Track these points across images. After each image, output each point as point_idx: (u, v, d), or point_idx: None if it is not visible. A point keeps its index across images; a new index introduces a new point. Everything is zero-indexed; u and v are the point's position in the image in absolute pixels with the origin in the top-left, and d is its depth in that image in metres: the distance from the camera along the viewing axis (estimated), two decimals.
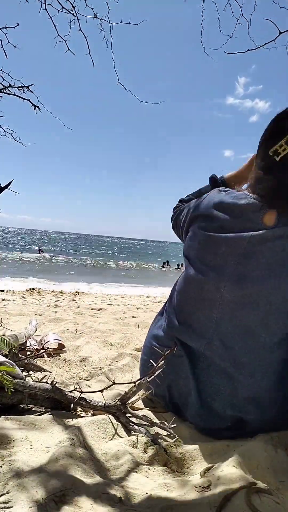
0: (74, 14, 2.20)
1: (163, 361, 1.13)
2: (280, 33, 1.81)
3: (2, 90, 2.16)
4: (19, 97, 2.20)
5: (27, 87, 2.20)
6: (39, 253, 23.03)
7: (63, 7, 2.16)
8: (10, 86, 2.17)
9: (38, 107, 2.25)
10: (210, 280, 1.07)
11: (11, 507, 0.69)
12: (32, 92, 2.22)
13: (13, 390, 1.04)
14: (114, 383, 1.19)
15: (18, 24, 2.05)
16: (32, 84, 2.20)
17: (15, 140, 2.35)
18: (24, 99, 2.21)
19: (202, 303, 1.10)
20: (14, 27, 2.05)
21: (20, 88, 2.18)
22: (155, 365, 1.13)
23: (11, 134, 2.33)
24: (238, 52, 1.94)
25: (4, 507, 0.68)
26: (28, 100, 2.21)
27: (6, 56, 2.12)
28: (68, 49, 2.27)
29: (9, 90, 2.17)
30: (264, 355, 1.03)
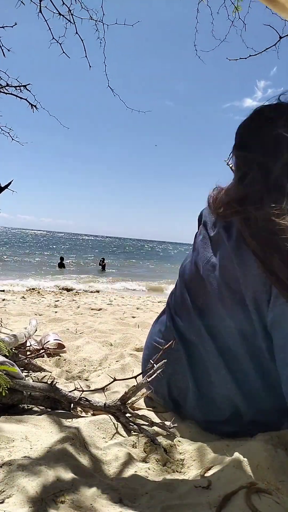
0: (72, 21, 2.20)
1: (163, 359, 1.13)
2: (280, 37, 1.82)
3: None
4: (17, 96, 2.19)
5: (25, 86, 2.19)
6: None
7: (60, 14, 2.16)
8: (7, 85, 2.16)
9: (35, 106, 2.24)
10: (197, 270, 1.13)
11: (11, 506, 0.68)
12: (29, 91, 2.22)
13: (7, 391, 1.03)
14: (115, 379, 1.19)
15: (15, 24, 2.04)
16: (29, 84, 2.20)
17: (12, 139, 2.35)
18: (21, 98, 2.21)
19: (193, 292, 1.14)
20: (12, 27, 2.05)
21: (17, 88, 2.18)
22: (153, 362, 1.13)
23: (8, 133, 2.33)
24: (240, 58, 1.94)
25: (4, 507, 0.68)
26: (25, 99, 2.21)
27: (4, 55, 2.12)
28: (63, 52, 2.27)
29: (7, 90, 2.17)
30: (243, 343, 1.01)
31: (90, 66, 2.33)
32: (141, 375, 1.20)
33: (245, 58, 1.96)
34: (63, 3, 2.18)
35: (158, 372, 1.12)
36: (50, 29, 2.19)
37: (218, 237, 1.08)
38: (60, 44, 2.21)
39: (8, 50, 2.14)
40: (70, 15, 2.19)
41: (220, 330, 1.05)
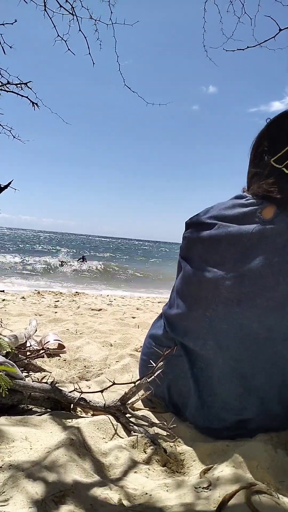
0: (74, 14, 2.19)
1: (162, 362, 1.13)
2: (280, 30, 1.80)
3: (0, 87, 2.15)
4: (18, 94, 2.18)
5: (26, 84, 2.18)
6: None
7: (73, 14, 2.15)
8: (8, 83, 2.16)
9: (36, 104, 2.24)
10: (210, 277, 1.07)
11: (11, 507, 0.68)
12: (31, 89, 2.21)
13: (7, 392, 1.03)
14: (114, 383, 1.19)
15: (15, 21, 2.03)
16: (30, 81, 2.19)
17: (14, 137, 2.34)
18: (22, 96, 2.20)
19: (198, 302, 1.09)
20: (12, 24, 2.04)
21: (18, 85, 2.17)
22: (154, 365, 1.13)
23: (9, 131, 2.32)
24: (238, 49, 1.93)
25: (4, 507, 0.68)
26: (26, 97, 2.20)
27: (4, 52, 2.11)
28: (68, 49, 2.27)
29: (7, 87, 2.16)
30: (265, 352, 1.01)
31: (93, 63, 2.32)
32: (142, 378, 1.20)
33: (243, 50, 1.95)
34: (66, 1, 2.17)
35: (158, 373, 1.12)
36: (55, 26, 2.18)
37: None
38: (65, 41, 2.20)
39: (10, 47, 2.13)
40: (73, 13, 2.19)
41: (234, 336, 1.04)
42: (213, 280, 1.06)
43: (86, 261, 18.12)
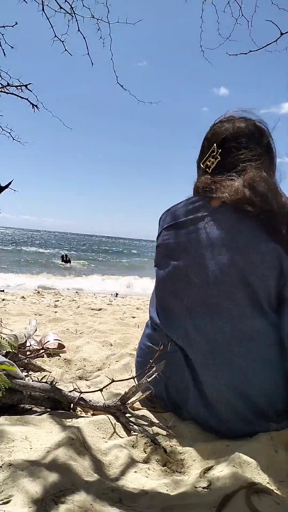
0: (72, 14, 2.19)
1: (159, 360, 1.13)
2: (281, 34, 1.81)
3: (0, 89, 2.15)
4: (18, 96, 2.19)
5: (26, 86, 2.19)
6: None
7: (60, 7, 2.15)
8: (8, 85, 2.16)
9: (36, 106, 2.24)
10: (180, 271, 1.16)
11: (11, 506, 0.68)
12: (31, 91, 2.21)
13: (5, 392, 1.03)
14: (113, 381, 1.19)
15: (16, 23, 2.04)
16: (30, 83, 2.19)
17: (13, 139, 2.35)
18: (22, 98, 2.20)
19: (175, 294, 1.17)
20: (13, 26, 2.04)
21: (18, 87, 2.17)
22: (151, 362, 1.13)
23: (9, 133, 2.32)
24: (240, 54, 1.94)
25: (4, 507, 0.68)
26: (26, 99, 2.21)
27: (4, 54, 2.11)
28: (66, 50, 2.27)
29: (7, 89, 2.16)
30: (241, 325, 1.04)
31: (92, 64, 2.33)
32: (139, 375, 1.20)
33: (245, 54, 1.96)
34: (65, 1, 2.17)
35: (158, 372, 1.12)
36: (52, 26, 2.18)
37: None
38: (63, 42, 2.20)
39: (12, 47, 2.13)
40: (72, 13, 2.19)
41: (215, 317, 1.08)
42: (183, 271, 1.15)
43: (70, 262, 18.99)
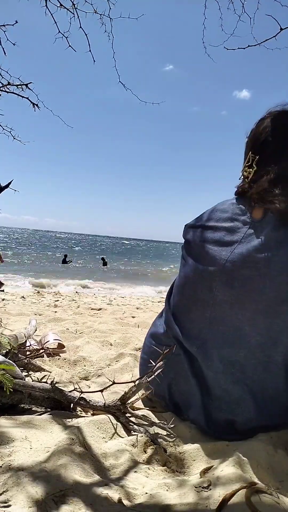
0: (75, 13, 2.19)
1: (162, 361, 1.13)
2: (281, 29, 1.80)
3: (1, 88, 2.15)
4: (18, 95, 2.18)
5: (26, 85, 2.18)
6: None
7: (61, 5, 2.14)
8: (9, 84, 2.15)
9: (37, 105, 2.23)
10: (203, 280, 1.10)
11: (11, 506, 0.68)
12: (32, 90, 2.21)
13: (11, 389, 1.03)
14: (113, 383, 1.19)
15: (16, 22, 2.03)
16: (31, 82, 2.19)
17: (14, 138, 2.34)
18: (23, 97, 2.20)
19: (196, 303, 1.12)
20: (13, 25, 2.04)
21: (19, 86, 2.17)
22: (154, 364, 1.13)
23: (10, 132, 2.32)
24: (239, 48, 1.93)
25: (4, 507, 0.68)
26: (27, 98, 2.20)
27: (5, 53, 2.11)
28: (69, 46, 2.26)
29: (8, 88, 2.16)
30: (258, 354, 1.02)
31: (94, 61, 2.32)
32: (141, 378, 1.20)
33: (244, 48, 1.96)
34: None
35: (157, 372, 1.12)
36: (56, 22, 2.17)
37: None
38: (67, 38, 2.19)
39: (14, 44, 2.12)
40: (74, 10, 2.18)
41: (228, 338, 1.05)
42: (207, 283, 1.08)
43: (106, 264, 19.29)
